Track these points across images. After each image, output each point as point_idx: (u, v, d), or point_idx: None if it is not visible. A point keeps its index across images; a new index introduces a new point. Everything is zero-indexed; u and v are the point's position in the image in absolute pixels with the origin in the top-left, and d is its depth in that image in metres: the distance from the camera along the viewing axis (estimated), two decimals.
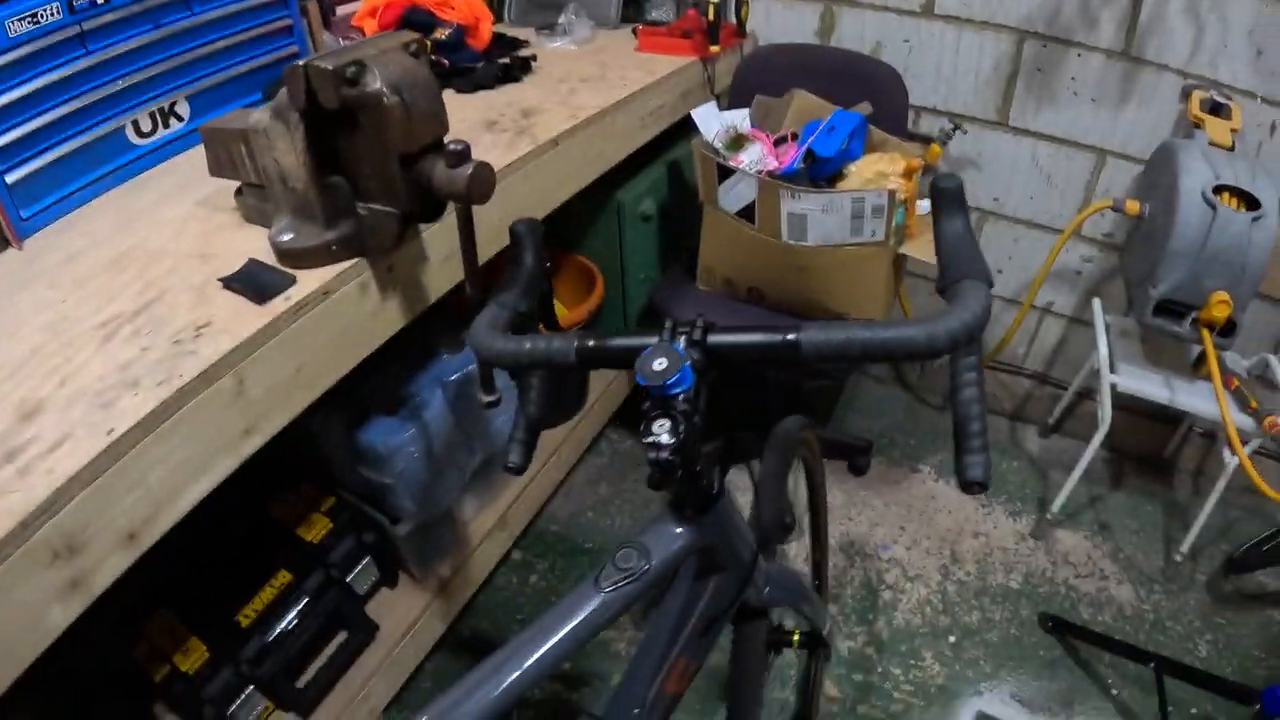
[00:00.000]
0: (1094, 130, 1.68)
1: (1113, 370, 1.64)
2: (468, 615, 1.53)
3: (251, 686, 1.08)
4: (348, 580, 1.22)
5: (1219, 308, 1.44)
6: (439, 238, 0.99)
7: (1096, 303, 1.78)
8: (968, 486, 0.52)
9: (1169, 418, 1.93)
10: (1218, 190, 1.34)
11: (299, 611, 1.14)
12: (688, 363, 0.55)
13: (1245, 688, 1.23)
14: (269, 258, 0.88)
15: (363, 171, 0.84)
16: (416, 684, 1.43)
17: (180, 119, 1.13)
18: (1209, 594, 1.65)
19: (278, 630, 1.11)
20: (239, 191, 0.97)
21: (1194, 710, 1.41)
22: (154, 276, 0.87)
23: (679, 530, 0.68)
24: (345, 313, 0.89)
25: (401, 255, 0.95)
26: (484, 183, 0.81)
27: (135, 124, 1.08)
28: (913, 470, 1.96)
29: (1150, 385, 1.61)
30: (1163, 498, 1.89)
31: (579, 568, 1.68)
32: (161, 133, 1.11)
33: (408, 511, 1.24)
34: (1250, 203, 1.34)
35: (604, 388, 1.84)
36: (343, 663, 1.19)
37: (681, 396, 0.55)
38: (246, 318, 0.79)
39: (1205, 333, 1.50)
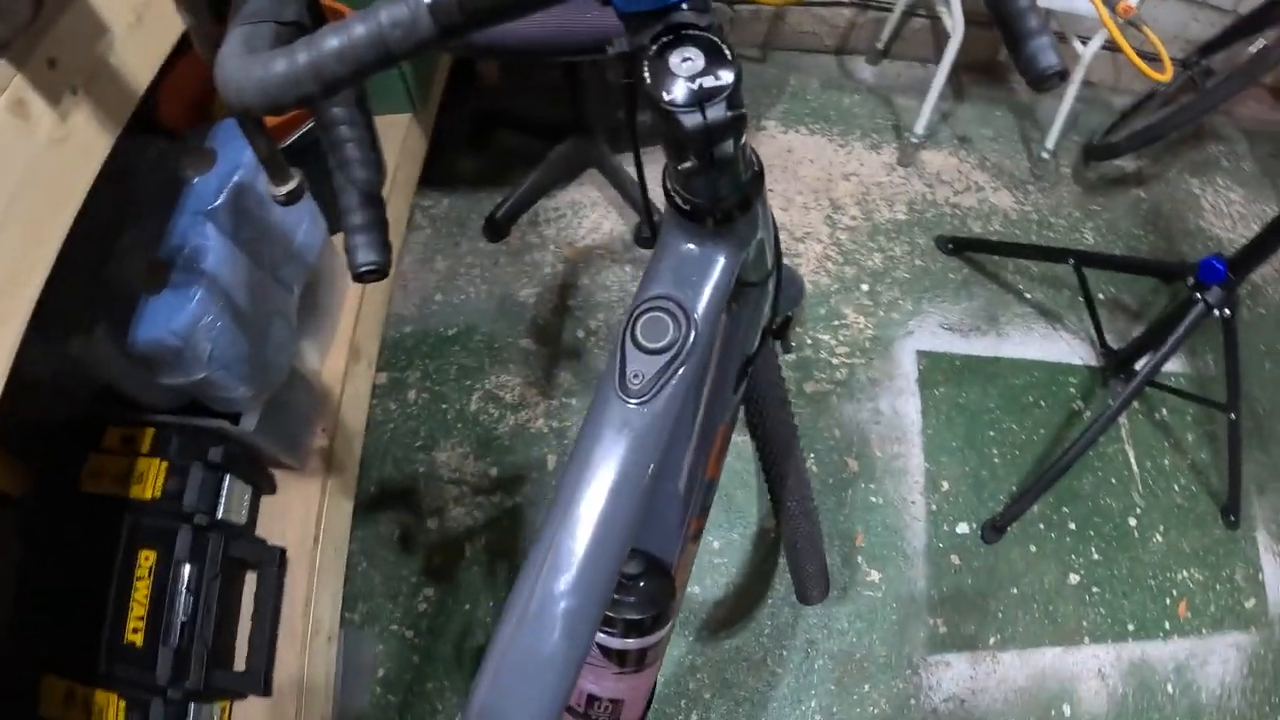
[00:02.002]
0: None
1: None
2: (363, 471, 1.27)
3: (192, 704, 0.81)
4: (220, 517, 0.89)
5: None
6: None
7: None
8: (1044, 80, 0.37)
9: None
10: None
11: (188, 587, 0.83)
12: None
13: (1174, 264, 1.29)
14: None
15: None
16: (354, 572, 1.20)
17: None
18: (1078, 185, 1.73)
19: (178, 624, 0.81)
20: None
21: (1101, 295, 1.51)
22: None
23: (712, 252, 0.43)
24: (6, 158, 0.46)
25: (64, 34, 0.50)
26: None
27: None
28: (758, 128, 1.79)
29: None
30: (1007, 102, 1.88)
31: (455, 361, 1.42)
32: None
33: (244, 399, 0.89)
34: None
35: (398, 148, 1.42)
36: (271, 609, 0.91)
37: (686, 5, 0.34)
38: None
39: None
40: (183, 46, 0.62)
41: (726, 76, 0.33)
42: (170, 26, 0.62)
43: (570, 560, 0.39)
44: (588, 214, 1.62)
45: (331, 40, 0.32)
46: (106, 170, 0.56)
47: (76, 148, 0.52)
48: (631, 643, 0.55)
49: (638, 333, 0.41)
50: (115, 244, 0.82)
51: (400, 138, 1.39)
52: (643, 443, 0.40)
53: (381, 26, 0.32)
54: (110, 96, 0.55)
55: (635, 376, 0.40)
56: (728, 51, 0.33)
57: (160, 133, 0.99)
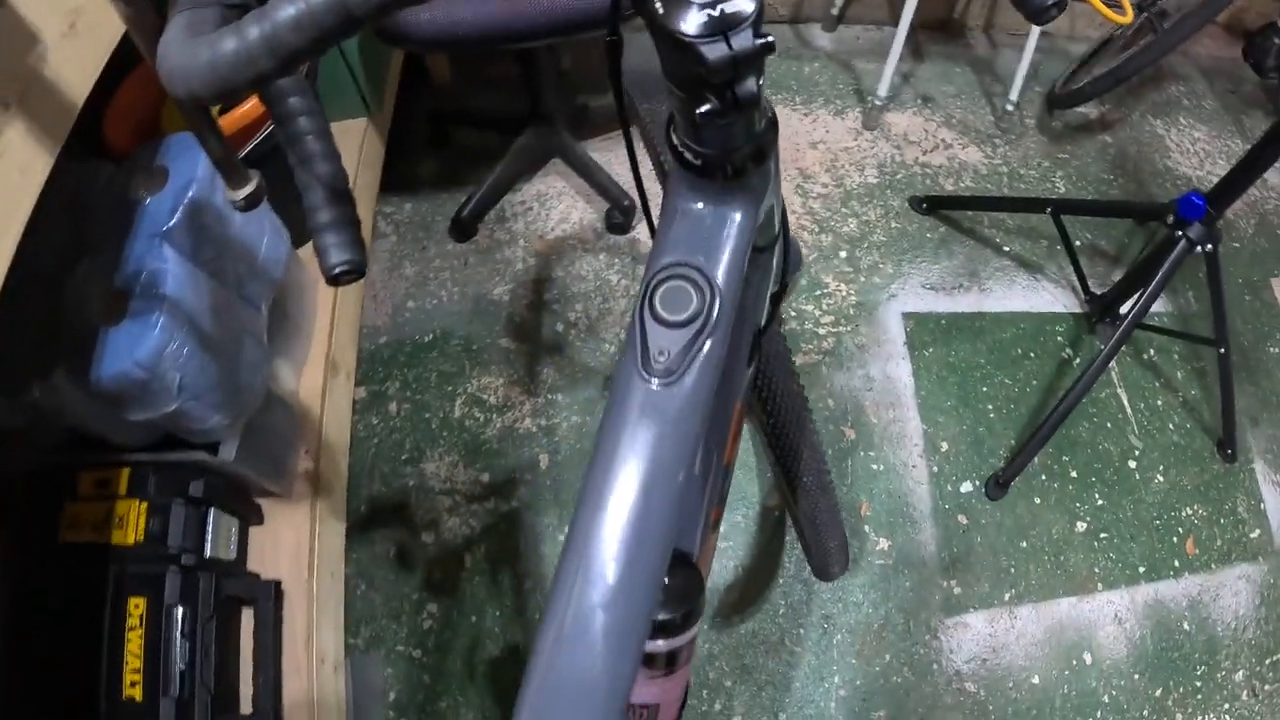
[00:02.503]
0: None
1: None
2: (351, 490, 1.23)
3: None
4: (208, 555, 0.85)
5: None
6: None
7: None
8: (1043, 13, 0.37)
9: None
10: None
11: (182, 633, 0.78)
12: None
13: (1153, 204, 1.28)
14: None
15: None
16: (353, 595, 1.15)
17: None
18: (1044, 135, 1.72)
19: (177, 673, 0.77)
20: None
21: (1079, 242, 1.51)
22: None
23: (726, 210, 0.40)
24: None
25: None
26: None
27: None
28: None
29: None
30: (965, 58, 1.87)
31: (434, 368, 1.37)
32: None
33: (220, 427, 0.84)
34: None
35: (356, 154, 1.36)
36: (272, 645, 0.87)
37: None
38: None
39: None
40: (124, 66, 0.57)
41: (748, 2, 0.30)
42: (106, 33, 0.58)
43: (607, 569, 0.35)
44: (555, 205, 1.57)
45: (286, 9, 0.29)
46: (54, 200, 0.51)
47: (14, 166, 0.47)
48: (662, 644, 0.53)
49: (657, 305, 0.37)
50: (68, 278, 0.76)
51: (357, 143, 1.34)
52: (676, 427, 0.36)
53: None
54: (46, 110, 0.50)
55: (660, 354, 0.36)
56: None
57: (108, 158, 0.94)
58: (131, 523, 0.83)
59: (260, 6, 0.31)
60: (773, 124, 0.40)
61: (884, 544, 1.22)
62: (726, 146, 0.37)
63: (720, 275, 0.38)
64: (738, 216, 0.39)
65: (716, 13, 0.29)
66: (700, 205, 0.39)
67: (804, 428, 0.69)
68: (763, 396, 0.67)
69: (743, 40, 0.29)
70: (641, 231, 1.51)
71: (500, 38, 1.13)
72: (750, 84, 0.32)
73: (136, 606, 0.80)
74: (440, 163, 1.63)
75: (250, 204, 0.50)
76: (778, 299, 0.72)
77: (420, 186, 1.60)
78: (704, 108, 0.32)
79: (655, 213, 0.62)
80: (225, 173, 0.49)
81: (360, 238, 0.45)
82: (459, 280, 1.48)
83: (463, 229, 1.53)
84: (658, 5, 0.30)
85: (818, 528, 0.80)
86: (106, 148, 0.97)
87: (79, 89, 0.53)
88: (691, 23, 0.29)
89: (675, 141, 0.38)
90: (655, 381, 0.36)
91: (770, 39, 0.30)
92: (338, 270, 0.43)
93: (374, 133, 1.39)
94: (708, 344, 0.37)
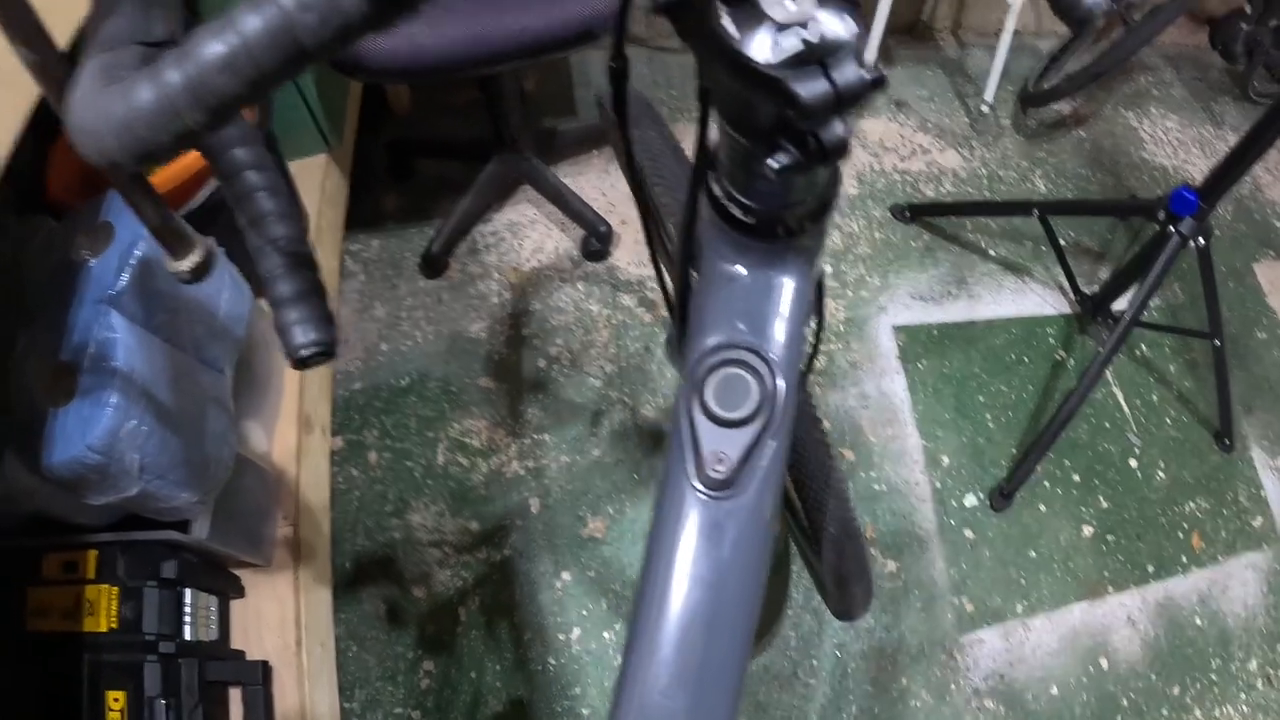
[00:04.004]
0: None
1: None
2: (335, 548, 1.16)
3: None
4: (188, 639, 0.79)
5: None
6: None
7: None
8: (1089, 20, 0.30)
9: None
10: None
11: None
12: None
13: (1144, 201, 1.25)
14: None
15: None
16: (344, 658, 1.09)
17: None
18: (1020, 134, 1.71)
19: None
20: None
21: (1063, 242, 1.49)
22: None
23: (778, 275, 0.33)
24: None
25: None
26: None
27: None
28: (692, 120, 1.72)
29: None
30: (936, 60, 1.86)
31: (413, 412, 1.31)
32: None
33: (188, 505, 0.78)
34: None
35: (317, 193, 1.31)
36: None
37: None
38: None
39: None
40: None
41: (849, 19, 0.22)
42: (29, 83, 0.52)
43: None
44: (528, 234, 1.53)
45: (213, 45, 0.22)
46: None
47: None
48: None
49: (710, 401, 0.30)
50: (9, 353, 0.70)
51: (318, 181, 1.28)
52: (741, 549, 0.29)
53: (286, 11, 0.21)
54: None
55: (718, 461, 0.29)
56: None
57: (54, 215, 0.88)
58: (103, 609, 0.77)
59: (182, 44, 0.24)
60: (837, 174, 0.34)
61: (892, 566, 1.19)
62: (786, 203, 0.31)
63: (779, 355, 0.31)
64: (792, 282, 0.33)
65: (811, 37, 0.22)
66: (744, 269, 0.33)
67: (829, 477, 0.63)
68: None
69: (846, 74, 0.22)
70: (620, 258, 1.47)
71: (465, 64, 1.08)
72: (840, 128, 0.25)
73: (116, 701, 0.74)
74: (406, 196, 1.58)
75: (197, 276, 0.45)
76: (813, 346, 0.65)
77: (386, 222, 1.54)
78: (779, 160, 0.25)
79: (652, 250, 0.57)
80: (165, 242, 0.43)
81: (327, 311, 0.39)
82: (433, 319, 1.43)
83: (433, 264, 1.47)
84: (726, 21, 0.22)
85: (843, 575, 0.74)
86: (51, 205, 0.91)
87: (1, 146, 0.48)
88: (772, 49, 0.22)
89: (718, 193, 0.32)
90: (713, 494, 0.30)
91: (881, 73, 0.23)
92: (305, 353, 0.37)
93: (335, 169, 1.33)
94: (772, 444, 0.30)
